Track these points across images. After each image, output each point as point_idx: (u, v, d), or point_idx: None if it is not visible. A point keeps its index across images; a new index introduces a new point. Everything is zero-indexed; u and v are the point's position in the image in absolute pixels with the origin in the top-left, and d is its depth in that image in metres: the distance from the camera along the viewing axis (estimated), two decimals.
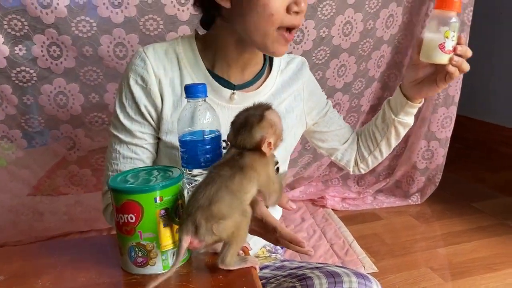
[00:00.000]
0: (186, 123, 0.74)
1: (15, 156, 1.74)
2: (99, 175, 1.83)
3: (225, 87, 0.93)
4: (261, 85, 0.97)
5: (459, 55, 0.88)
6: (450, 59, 0.87)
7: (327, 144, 1.14)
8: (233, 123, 0.71)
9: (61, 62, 1.56)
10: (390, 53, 2.10)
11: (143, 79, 0.90)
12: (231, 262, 0.65)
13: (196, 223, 0.62)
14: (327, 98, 1.15)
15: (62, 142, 1.73)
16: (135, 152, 0.93)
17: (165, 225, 0.67)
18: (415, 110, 1.04)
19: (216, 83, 0.92)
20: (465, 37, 1.96)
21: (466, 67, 0.90)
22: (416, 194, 2.26)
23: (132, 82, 0.91)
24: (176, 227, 0.68)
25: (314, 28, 1.78)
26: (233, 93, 0.93)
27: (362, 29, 1.89)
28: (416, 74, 0.96)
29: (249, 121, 0.69)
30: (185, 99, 0.74)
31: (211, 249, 0.70)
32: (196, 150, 0.73)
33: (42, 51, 1.53)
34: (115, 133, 0.94)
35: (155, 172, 0.73)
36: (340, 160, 1.16)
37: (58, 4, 1.45)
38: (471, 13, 1.93)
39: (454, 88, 2.03)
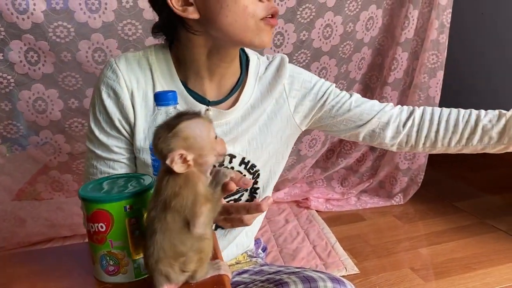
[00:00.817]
0: None
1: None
2: (80, 180, 1.82)
3: (199, 102, 0.89)
4: (237, 100, 0.92)
5: None
6: None
7: (347, 133, 1.00)
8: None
9: (39, 68, 1.55)
10: (370, 55, 2.12)
11: (115, 93, 0.86)
12: (202, 276, 0.64)
13: (164, 274, 0.61)
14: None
15: (42, 148, 1.72)
16: (113, 168, 0.90)
17: (136, 234, 0.67)
18: None
19: (191, 97, 0.88)
20: (445, 39, 1.99)
21: None
22: (399, 194, 2.28)
23: (104, 96, 0.87)
24: None
25: (294, 31, 1.79)
26: (207, 109, 0.89)
27: (342, 32, 1.91)
28: None
29: (157, 132, 0.60)
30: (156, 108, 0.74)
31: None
32: None
33: (19, 57, 1.52)
34: (92, 148, 0.91)
35: (127, 180, 0.73)
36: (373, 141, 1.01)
37: (34, 9, 1.44)
38: (449, 15, 1.95)
39: (435, 89, 2.05)
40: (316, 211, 2.21)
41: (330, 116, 0.98)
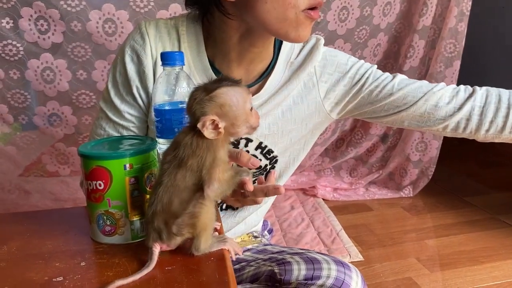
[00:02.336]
0: (161, 92, 0.71)
1: (9, 138, 1.73)
2: None
3: None
4: (263, 86, 0.87)
5: None
6: None
7: (389, 118, 0.90)
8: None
9: (49, 37, 1.53)
10: (387, 42, 2.07)
11: (139, 58, 0.83)
12: (206, 248, 0.61)
13: (157, 230, 0.59)
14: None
15: (49, 119, 1.71)
16: (121, 133, 0.88)
17: (135, 194, 0.65)
18: None
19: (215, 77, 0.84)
20: (464, 28, 1.93)
21: None
22: (409, 186, 2.24)
23: (127, 59, 0.83)
24: (147, 196, 0.65)
25: None
26: None
27: (359, 15, 1.86)
28: None
29: (194, 93, 0.59)
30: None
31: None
32: (171, 120, 0.71)
33: (29, 24, 1.50)
34: (104, 108, 0.88)
35: (130, 141, 0.71)
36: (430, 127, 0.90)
37: None
38: (469, 3, 1.90)
39: (450, 79, 2.00)
40: (323, 199, 2.18)
41: (368, 103, 0.89)
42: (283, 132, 0.90)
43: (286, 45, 0.89)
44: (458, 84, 0.90)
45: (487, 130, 0.86)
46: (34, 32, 1.52)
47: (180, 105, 0.71)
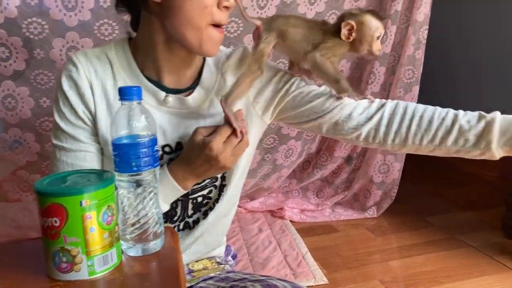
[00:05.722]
0: (119, 126, 0.72)
1: None
2: None
3: (160, 89, 0.91)
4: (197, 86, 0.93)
5: None
6: None
7: (309, 124, 0.96)
8: None
9: (10, 64, 1.52)
10: (349, 68, 2.14)
11: (76, 84, 0.88)
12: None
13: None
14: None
15: (11, 146, 1.68)
16: (84, 159, 0.89)
17: (91, 230, 0.65)
18: None
19: (151, 84, 0.90)
20: (421, 55, 2.02)
21: None
22: (373, 207, 2.29)
23: (66, 88, 0.88)
24: (104, 232, 0.66)
25: None
26: (166, 96, 0.90)
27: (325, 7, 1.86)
28: None
29: (350, 10, 0.90)
30: (119, 104, 0.73)
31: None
32: (128, 154, 0.71)
33: None
34: (59, 143, 0.89)
35: (88, 176, 0.71)
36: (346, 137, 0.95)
37: (8, 4, 1.41)
38: (426, 32, 1.99)
39: None
40: (290, 221, 2.20)
41: (292, 107, 0.95)
42: None
43: None
44: None
45: (393, 140, 0.90)
46: None
47: (138, 139, 0.72)
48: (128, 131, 0.72)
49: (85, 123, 0.89)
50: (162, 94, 0.90)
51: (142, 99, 0.73)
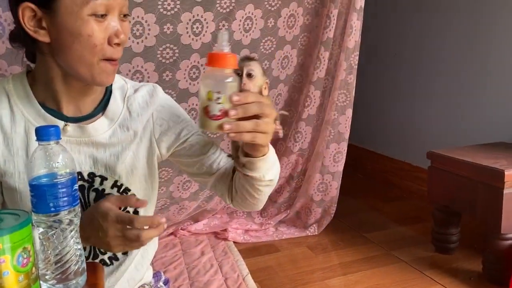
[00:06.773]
0: (36, 166, 0.72)
1: None
2: None
3: (58, 119, 0.89)
4: (101, 115, 0.94)
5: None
6: (220, 127, 0.74)
7: (199, 177, 1.05)
8: None
9: None
10: (287, 92, 2.21)
11: None
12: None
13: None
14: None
15: None
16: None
17: (5, 274, 0.65)
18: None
19: (49, 115, 0.89)
20: (353, 79, 2.13)
21: (244, 134, 0.76)
22: (314, 225, 2.36)
23: None
24: (19, 275, 0.65)
25: (213, 20, 1.78)
26: (66, 125, 0.89)
27: (263, 26, 1.93)
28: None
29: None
30: (32, 142, 0.73)
31: None
32: (46, 195, 0.72)
33: None
34: None
35: (2, 215, 0.70)
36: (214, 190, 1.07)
37: None
38: (357, 58, 2.10)
39: (344, 125, 2.18)
40: (234, 242, 2.22)
41: (187, 155, 1.00)
42: (133, 171, 0.96)
43: (117, 82, 0.97)
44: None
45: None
46: None
47: (55, 180, 0.72)
48: (45, 170, 0.73)
49: None
50: (61, 123, 0.89)
51: (60, 139, 0.74)
